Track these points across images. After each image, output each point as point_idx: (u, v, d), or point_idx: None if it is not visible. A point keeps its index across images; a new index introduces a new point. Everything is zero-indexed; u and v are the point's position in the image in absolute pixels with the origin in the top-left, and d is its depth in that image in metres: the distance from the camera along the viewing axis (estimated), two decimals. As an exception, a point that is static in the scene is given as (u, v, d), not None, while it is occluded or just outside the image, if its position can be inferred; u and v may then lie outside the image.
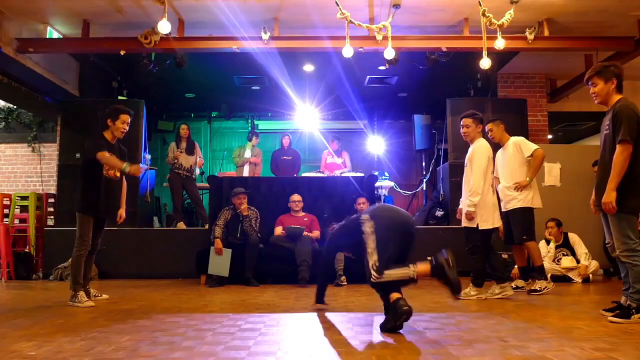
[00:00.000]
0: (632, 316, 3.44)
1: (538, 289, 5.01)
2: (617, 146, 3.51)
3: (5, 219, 7.29)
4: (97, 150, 4.57)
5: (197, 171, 8.11)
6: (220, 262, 6.05)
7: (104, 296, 4.84)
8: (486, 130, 5.20)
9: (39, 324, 3.45)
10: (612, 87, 3.66)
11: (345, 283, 5.99)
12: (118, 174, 4.83)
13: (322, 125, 11.10)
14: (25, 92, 7.57)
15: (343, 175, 8.38)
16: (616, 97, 3.67)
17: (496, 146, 5.22)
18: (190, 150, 7.90)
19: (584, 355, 2.51)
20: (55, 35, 6.96)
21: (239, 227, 6.30)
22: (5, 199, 7.42)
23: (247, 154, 8.79)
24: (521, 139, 5.23)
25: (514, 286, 5.23)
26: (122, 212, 4.95)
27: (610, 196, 3.52)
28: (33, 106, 8.37)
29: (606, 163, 3.64)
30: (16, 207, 7.49)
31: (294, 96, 9.81)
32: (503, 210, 5.14)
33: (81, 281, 4.60)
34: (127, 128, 4.83)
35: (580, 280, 6.20)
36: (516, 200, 5.08)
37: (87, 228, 4.62)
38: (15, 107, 9.19)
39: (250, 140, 8.90)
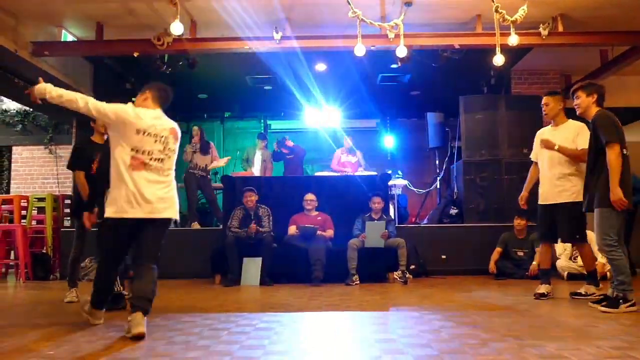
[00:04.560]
0: (620, 306, 3.73)
1: (583, 292, 4.59)
2: (607, 148, 3.85)
3: (22, 220, 7.40)
4: (72, 168, 4.70)
5: (215, 163, 8.06)
6: (252, 273, 6.07)
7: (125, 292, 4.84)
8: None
9: (57, 324, 3.49)
10: (592, 100, 4.12)
11: (358, 282, 5.98)
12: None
13: (334, 124, 11.10)
14: (41, 94, 7.66)
15: (357, 174, 8.37)
16: (595, 110, 4.09)
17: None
18: (205, 150, 7.93)
19: (601, 354, 2.48)
20: (70, 38, 7.03)
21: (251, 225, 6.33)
22: (22, 200, 7.53)
23: (258, 156, 8.88)
24: (584, 125, 4.67)
25: (583, 292, 4.68)
26: None
27: (617, 193, 3.78)
28: (48, 108, 8.46)
29: (589, 168, 4.08)
30: (33, 208, 7.59)
31: (306, 95, 9.82)
32: (546, 203, 4.73)
33: (75, 281, 4.85)
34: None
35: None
36: (569, 193, 4.60)
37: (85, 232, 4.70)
38: (31, 109, 9.31)
39: (260, 141, 9.03)
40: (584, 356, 2.43)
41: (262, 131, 11.10)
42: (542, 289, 4.65)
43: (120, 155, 3.31)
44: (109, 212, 3.29)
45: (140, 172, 3.32)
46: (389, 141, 10.85)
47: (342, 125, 10.94)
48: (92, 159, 4.64)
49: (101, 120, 3.54)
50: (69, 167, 4.78)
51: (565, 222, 4.68)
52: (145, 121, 3.38)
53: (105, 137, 4.49)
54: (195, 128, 8.07)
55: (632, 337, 2.87)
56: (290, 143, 9.00)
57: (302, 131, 11.30)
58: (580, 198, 4.58)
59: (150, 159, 3.36)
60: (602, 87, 4.22)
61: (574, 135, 4.64)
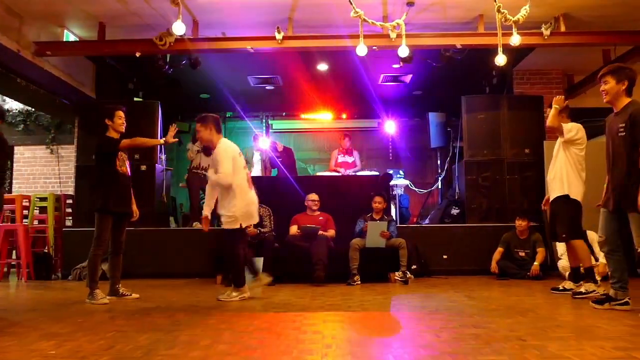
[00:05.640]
0: None
1: (584, 291, 4.59)
2: None
3: (24, 220, 7.40)
4: (118, 142, 4.79)
5: None
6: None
7: (134, 295, 4.90)
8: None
9: (59, 324, 3.49)
10: (622, 87, 3.73)
11: (359, 282, 5.98)
12: (128, 170, 4.96)
13: (336, 124, 11.09)
14: (43, 94, 7.67)
15: (357, 174, 8.37)
16: (626, 100, 3.75)
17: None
18: (208, 151, 7.92)
19: (604, 354, 2.47)
20: (72, 38, 7.04)
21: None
22: (24, 200, 7.53)
23: (256, 157, 8.89)
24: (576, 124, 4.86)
25: (561, 287, 4.96)
26: (135, 208, 5.06)
27: None
28: (51, 108, 8.48)
29: (623, 165, 3.67)
30: (35, 208, 7.60)
31: (308, 95, 9.81)
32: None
33: (97, 280, 4.70)
34: (125, 123, 4.94)
35: (599, 278, 6.11)
36: (557, 191, 4.79)
37: (105, 228, 4.70)
38: (33, 109, 9.31)
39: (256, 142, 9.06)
40: (586, 356, 2.42)
41: (258, 132, 10.92)
42: (579, 287, 4.77)
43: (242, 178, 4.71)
44: (247, 223, 4.75)
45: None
46: (390, 126, 10.56)
47: (343, 125, 10.94)
48: (114, 155, 4.80)
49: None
50: (116, 143, 4.82)
51: (550, 220, 4.89)
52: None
53: (120, 136, 4.91)
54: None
55: (635, 337, 2.87)
56: (280, 147, 9.01)
57: (303, 131, 11.30)
58: (562, 193, 4.74)
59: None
60: (634, 72, 3.80)
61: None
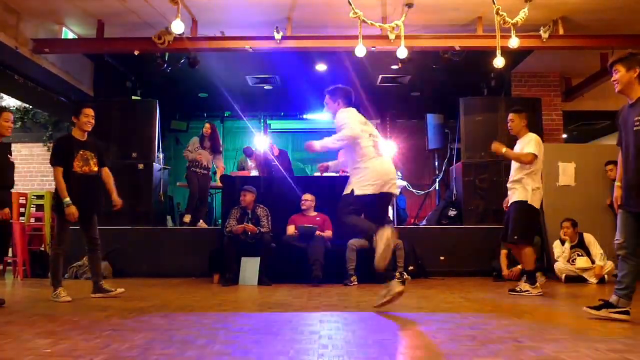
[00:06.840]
0: None
1: (517, 289, 4.99)
2: None
3: (21, 218, 7.38)
4: (53, 164, 4.66)
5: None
6: (250, 272, 6.06)
7: (119, 290, 4.86)
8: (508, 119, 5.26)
9: (55, 322, 3.48)
10: (634, 75, 3.51)
11: (356, 283, 5.98)
12: (95, 169, 4.77)
13: (333, 125, 11.09)
14: (41, 92, 7.66)
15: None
16: None
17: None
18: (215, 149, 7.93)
19: (599, 356, 2.48)
20: (71, 35, 7.03)
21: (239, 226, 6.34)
22: (21, 197, 7.51)
23: (251, 164, 8.91)
24: (535, 137, 5.14)
25: (518, 289, 5.00)
26: (114, 197, 4.88)
27: None
28: (48, 106, 8.46)
29: (638, 161, 3.44)
30: (32, 205, 7.58)
31: (306, 96, 9.80)
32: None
33: (60, 278, 4.70)
34: (93, 121, 4.75)
35: (595, 281, 6.14)
36: (516, 195, 5.04)
37: (63, 227, 4.70)
38: (30, 107, 9.30)
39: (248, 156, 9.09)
40: (581, 358, 2.43)
41: (248, 145, 10.63)
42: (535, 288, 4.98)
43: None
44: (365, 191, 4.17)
45: None
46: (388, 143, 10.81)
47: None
48: (72, 155, 4.64)
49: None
50: (50, 162, 4.74)
51: (505, 221, 5.14)
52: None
53: (86, 134, 4.76)
54: (207, 125, 7.97)
55: (630, 339, 2.87)
56: (276, 151, 9.02)
57: (301, 131, 11.30)
58: (522, 199, 4.96)
59: None
60: None
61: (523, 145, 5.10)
